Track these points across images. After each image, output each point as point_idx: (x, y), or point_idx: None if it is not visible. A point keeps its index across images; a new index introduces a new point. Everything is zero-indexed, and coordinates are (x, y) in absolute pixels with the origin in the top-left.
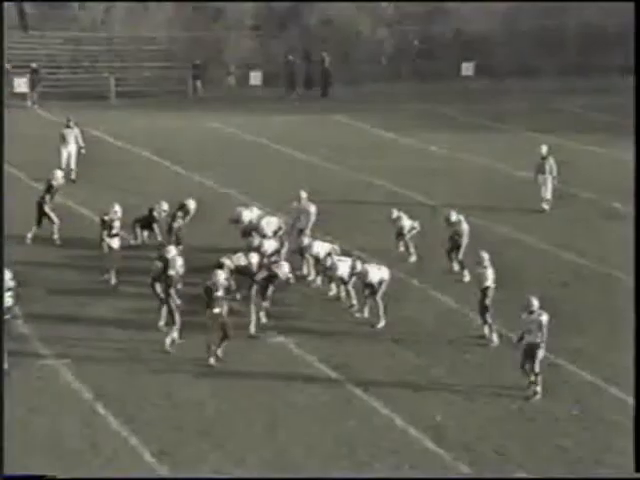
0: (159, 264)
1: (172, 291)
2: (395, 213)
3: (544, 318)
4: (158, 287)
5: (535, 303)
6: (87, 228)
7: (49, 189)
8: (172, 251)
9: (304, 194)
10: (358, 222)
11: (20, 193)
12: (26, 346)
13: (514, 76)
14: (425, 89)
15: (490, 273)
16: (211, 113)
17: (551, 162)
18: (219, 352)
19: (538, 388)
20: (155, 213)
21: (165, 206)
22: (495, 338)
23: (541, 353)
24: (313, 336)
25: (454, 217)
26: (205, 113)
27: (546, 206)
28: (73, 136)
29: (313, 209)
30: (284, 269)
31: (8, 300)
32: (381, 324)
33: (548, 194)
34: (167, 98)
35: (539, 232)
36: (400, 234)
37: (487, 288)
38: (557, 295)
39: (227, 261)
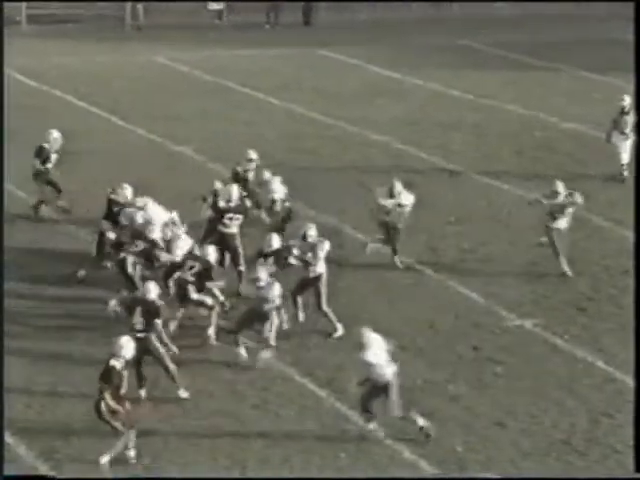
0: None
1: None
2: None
3: None
4: None
5: None
6: None
7: None
8: None
9: (267, 173)
10: (351, 192)
11: None
12: None
13: None
14: (442, 15)
15: None
16: (157, 46)
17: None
18: None
19: None
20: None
21: None
22: None
23: None
24: (292, 342)
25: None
26: (149, 46)
27: (627, 173)
28: None
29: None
30: (209, 251)
31: None
32: (339, 333)
33: (626, 156)
34: (98, 25)
35: (592, 205)
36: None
37: None
38: (617, 287)
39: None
